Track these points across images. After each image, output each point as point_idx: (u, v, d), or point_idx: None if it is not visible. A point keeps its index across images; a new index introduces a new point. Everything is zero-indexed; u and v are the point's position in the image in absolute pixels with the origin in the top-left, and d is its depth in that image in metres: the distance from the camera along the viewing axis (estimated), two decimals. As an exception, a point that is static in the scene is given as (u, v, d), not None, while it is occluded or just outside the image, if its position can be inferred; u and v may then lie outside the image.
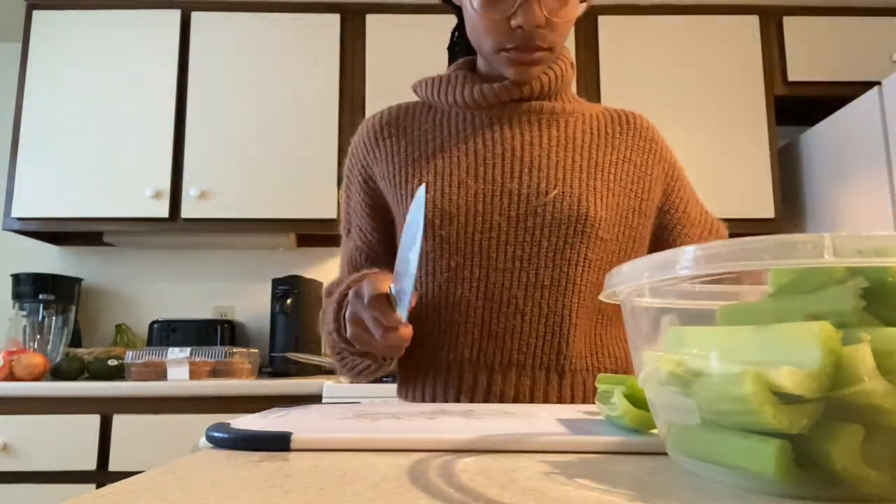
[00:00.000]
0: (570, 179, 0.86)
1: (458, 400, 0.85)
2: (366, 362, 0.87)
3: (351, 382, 0.87)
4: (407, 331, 0.71)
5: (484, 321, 0.84)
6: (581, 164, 0.88)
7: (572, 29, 0.97)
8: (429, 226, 0.85)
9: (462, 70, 0.93)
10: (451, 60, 1.00)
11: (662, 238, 0.94)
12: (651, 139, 0.94)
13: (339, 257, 2.95)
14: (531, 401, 0.83)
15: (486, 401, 0.83)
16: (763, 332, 0.28)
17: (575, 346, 0.84)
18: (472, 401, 0.84)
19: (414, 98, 0.98)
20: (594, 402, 0.63)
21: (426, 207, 0.85)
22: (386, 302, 0.71)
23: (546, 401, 0.83)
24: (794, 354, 0.26)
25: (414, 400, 0.90)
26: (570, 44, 2.44)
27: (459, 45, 0.99)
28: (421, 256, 0.87)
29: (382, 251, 0.95)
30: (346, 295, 0.82)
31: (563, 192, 0.85)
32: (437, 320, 0.86)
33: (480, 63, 0.93)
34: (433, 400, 0.87)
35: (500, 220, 0.84)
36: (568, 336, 0.83)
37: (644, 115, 0.98)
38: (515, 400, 0.83)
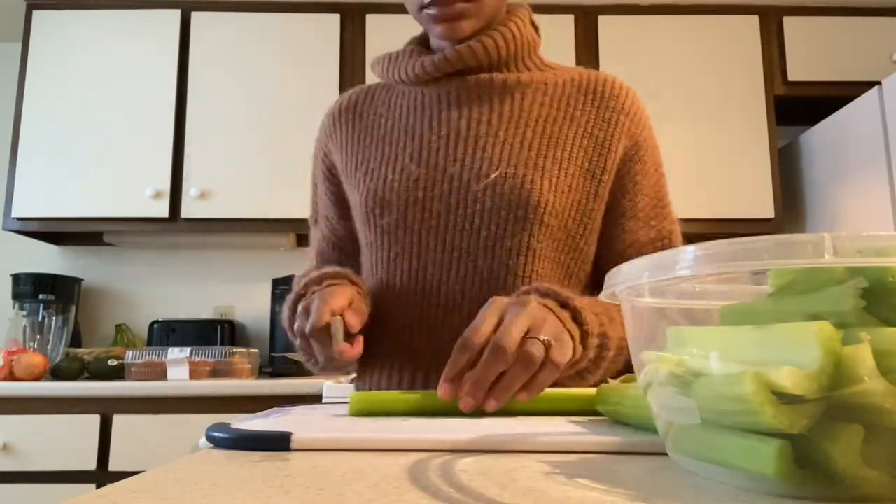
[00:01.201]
0: (515, 159, 0.78)
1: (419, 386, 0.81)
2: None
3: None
4: (352, 352, 0.69)
5: (421, 317, 0.79)
6: (532, 141, 0.79)
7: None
8: (370, 214, 0.81)
9: (412, 45, 0.87)
10: None
11: (602, 226, 0.83)
12: (619, 108, 0.83)
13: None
14: None
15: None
16: (763, 332, 0.28)
17: None
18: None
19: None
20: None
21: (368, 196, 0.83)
22: (326, 335, 0.67)
23: None
24: (794, 354, 0.26)
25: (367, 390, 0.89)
26: (567, 41, 2.44)
27: None
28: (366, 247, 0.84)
29: (349, 239, 0.91)
30: (297, 301, 0.78)
31: (505, 174, 0.77)
32: (380, 315, 0.81)
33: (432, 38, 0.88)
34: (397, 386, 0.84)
35: (438, 207, 0.78)
36: None
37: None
38: None
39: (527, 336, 0.58)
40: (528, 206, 0.76)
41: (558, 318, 0.63)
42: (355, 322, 0.69)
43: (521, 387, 0.56)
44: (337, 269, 0.81)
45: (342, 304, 0.69)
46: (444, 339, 0.77)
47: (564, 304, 0.67)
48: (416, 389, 0.79)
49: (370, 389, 0.85)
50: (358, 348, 0.70)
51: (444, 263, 0.78)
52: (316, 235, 0.94)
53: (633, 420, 0.49)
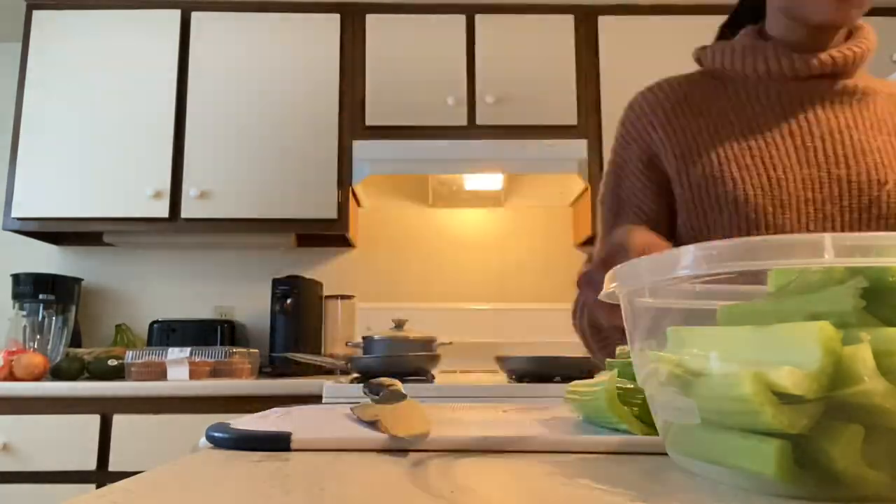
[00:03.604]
0: None
1: None
2: None
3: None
4: None
5: None
6: None
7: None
8: (762, 213, 0.79)
9: (753, 39, 0.86)
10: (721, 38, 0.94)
11: None
12: None
13: (335, 260, 2.90)
14: None
15: None
16: (763, 332, 0.28)
17: None
18: None
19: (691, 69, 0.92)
20: None
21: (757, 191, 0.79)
22: None
23: None
24: (794, 354, 0.26)
25: None
26: (567, 41, 2.44)
27: (742, 16, 0.93)
28: None
29: (667, 229, 0.87)
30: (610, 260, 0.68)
31: None
32: None
33: (772, 28, 0.86)
34: None
35: (832, 209, 0.78)
36: None
37: None
38: None
39: None
40: None
41: None
42: None
43: None
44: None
45: None
46: None
47: None
48: None
49: None
50: None
51: None
52: (615, 225, 0.90)
53: (600, 421, 0.49)
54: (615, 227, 0.90)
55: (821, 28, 0.81)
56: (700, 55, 0.90)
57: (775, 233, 0.79)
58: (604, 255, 0.70)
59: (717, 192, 0.82)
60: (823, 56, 0.81)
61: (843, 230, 0.78)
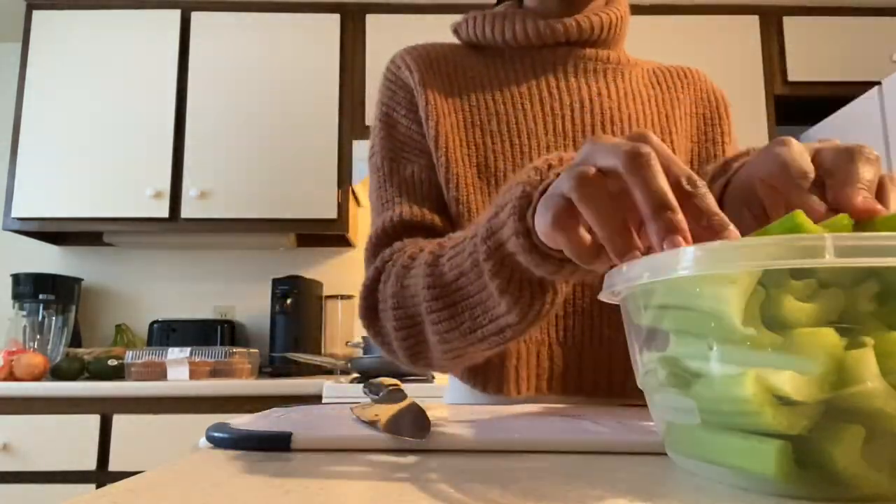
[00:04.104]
0: None
1: (538, 387, 0.73)
2: (513, 314, 0.52)
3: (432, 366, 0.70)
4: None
5: (567, 296, 0.73)
6: (653, 119, 0.80)
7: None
8: (503, 181, 0.74)
9: (511, 7, 0.83)
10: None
11: None
12: (711, 90, 0.87)
13: (335, 260, 2.89)
14: (622, 390, 0.73)
15: (573, 388, 0.73)
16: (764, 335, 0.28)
17: None
18: (563, 388, 0.73)
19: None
20: None
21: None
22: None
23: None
24: (795, 358, 0.26)
25: (485, 390, 0.74)
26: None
27: None
28: None
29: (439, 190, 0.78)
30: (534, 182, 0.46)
31: None
32: None
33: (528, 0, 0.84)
34: (515, 388, 0.73)
35: None
36: None
37: None
38: (609, 387, 0.73)
39: None
40: None
41: None
42: None
43: None
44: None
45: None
46: (593, 317, 0.74)
47: None
48: (569, 375, 0.72)
49: (505, 384, 0.73)
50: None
51: None
52: (406, 175, 0.79)
53: None
54: (394, 174, 0.79)
55: None
56: (457, 27, 0.86)
57: None
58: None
59: (457, 164, 0.76)
60: (568, 21, 0.78)
61: None
